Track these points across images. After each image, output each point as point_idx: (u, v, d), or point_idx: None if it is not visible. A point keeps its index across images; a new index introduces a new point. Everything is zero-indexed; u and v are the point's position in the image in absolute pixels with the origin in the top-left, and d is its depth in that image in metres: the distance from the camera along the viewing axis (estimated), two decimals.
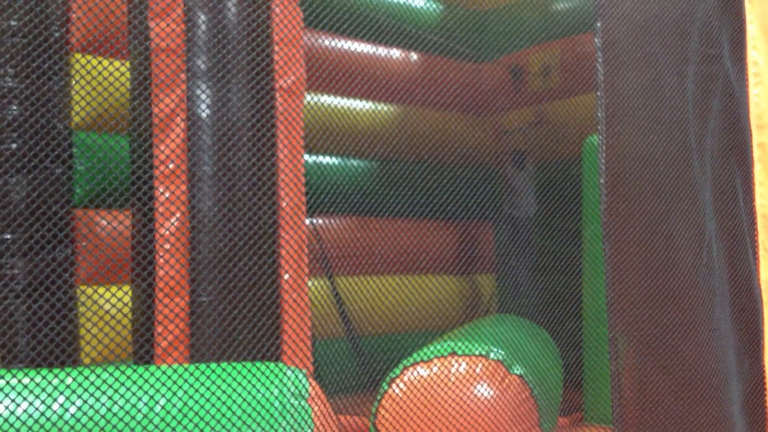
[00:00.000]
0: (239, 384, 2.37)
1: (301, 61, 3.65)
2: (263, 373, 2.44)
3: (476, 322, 4.51)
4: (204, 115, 3.36)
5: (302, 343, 3.51)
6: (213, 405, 2.27)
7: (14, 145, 3.55)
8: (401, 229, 5.18)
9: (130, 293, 3.47)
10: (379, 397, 3.52)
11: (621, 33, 2.51)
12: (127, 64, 3.52)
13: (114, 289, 3.71)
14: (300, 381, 2.45)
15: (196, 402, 2.25)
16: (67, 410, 2.16)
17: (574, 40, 5.74)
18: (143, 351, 3.28)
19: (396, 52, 5.63)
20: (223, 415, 2.26)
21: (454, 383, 3.26)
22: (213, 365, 2.54)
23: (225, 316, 3.27)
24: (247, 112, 3.42)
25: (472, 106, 5.69)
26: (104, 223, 3.87)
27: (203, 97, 3.35)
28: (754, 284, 2.56)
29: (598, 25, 2.57)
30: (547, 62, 5.89)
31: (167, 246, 3.30)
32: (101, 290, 3.77)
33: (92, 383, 2.23)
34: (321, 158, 5.25)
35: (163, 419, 2.19)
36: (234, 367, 2.52)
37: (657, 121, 2.51)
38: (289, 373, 2.49)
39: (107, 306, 3.65)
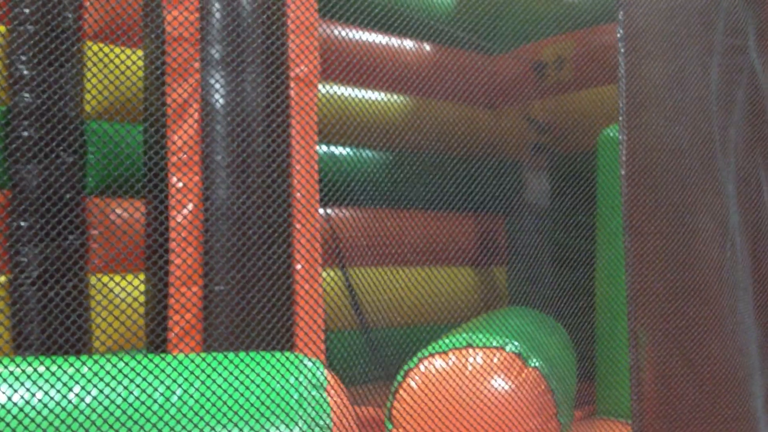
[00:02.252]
0: (256, 374, 2.36)
1: (315, 50, 3.63)
2: (281, 363, 2.43)
3: (491, 314, 4.48)
4: (218, 104, 3.34)
5: (315, 333, 3.50)
6: (230, 395, 2.26)
7: (26, 134, 3.54)
8: (415, 220, 5.16)
9: (143, 282, 3.47)
10: (394, 389, 3.50)
11: (644, 23, 2.47)
12: (139, 52, 3.50)
13: (130, 277, 3.70)
14: (318, 371, 2.44)
15: (213, 392, 2.24)
16: (82, 399, 2.15)
17: (588, 32, 5.69)
18: (157, 340, 3.27)
19: (409, 43, 5.61)
20: (240, 405, 2.24)
21: (470, 375, 3.25)
22: (230, 354, 2.53)
23: (238, 306, 3.26)
24: (261, 102, 3.41)
25: (485, 98, 5.66)
26: (117, 211, 3.85)
27: (217, 86, 3.34)
28: None
29: (621, 15, 2.54)
30: (561, 54, 5.85)
31: (181, 235, 3.29)
32: (117, 278, 3.76)
33: (108, 372, 2.22)
34: (334, 149, 5.23)
35: (179, 409, 2.18)
36: (251, 357, 2.51)
37: (680, 112, 2.48)
38: (307, 362, 2.48)
39: (122, 294, 3.65)
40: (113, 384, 2.17)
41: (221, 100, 3.34)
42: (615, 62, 5.22)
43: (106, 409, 2.17)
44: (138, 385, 2.19)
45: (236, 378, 2.31)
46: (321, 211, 3.65)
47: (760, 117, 2.53)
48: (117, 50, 3.60)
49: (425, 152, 5.26)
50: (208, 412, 2.20)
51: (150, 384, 2.21)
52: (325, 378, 2.43)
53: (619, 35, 2.53)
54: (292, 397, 2.26)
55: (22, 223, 3.53)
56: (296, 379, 2.33)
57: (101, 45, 3.65)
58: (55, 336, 3.34)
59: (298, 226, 3.49)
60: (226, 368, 2.37)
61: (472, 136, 5.30)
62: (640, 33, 2.46)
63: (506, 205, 4.86)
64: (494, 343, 3.34)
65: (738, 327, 2.38)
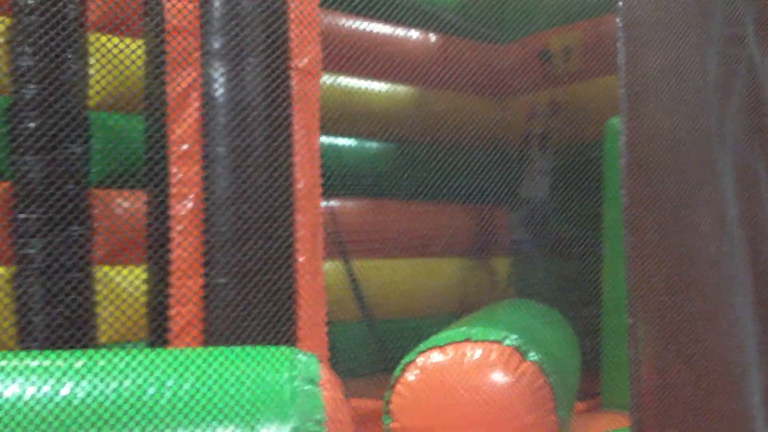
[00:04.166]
0: (249, 368, 2.34)
1: (317, 40, 3.61)
2: (274, 357, 2.41)
3: (492, 307, 4.46)
4: (219, 95, 3.32)
5: (317, 325, 3.49)
6: (222, 389, 2.25)
7: (32, 125, 3.54)
8: (417, 211, 5.14)
9: (141, 274, 3.46)
10: (392, 382, 3.49)
11: (643, 12, 2.44)
12: (138, 42, 3.48)
13: (134, 270, 3.69)
14: (312, 365, 2.42)
15: (204, 385, 2.23)
16: (76, 395, 2.14)
17: (594, 21, 5.65)
18: (158, 332, 3.27)
19: (414, 33, 5.57)
20: (233, 400, 2.23)
21: (468, 369, 3.22)
22: (222, 349, 2.52)
23: (239, 299, 3.25)
24: (263, 92, 3.39)
25: (490, 88, 5.62)
26: (120, 202, 3.85)
27: (218, 76, 3.32)
28: None
29: (621, 3, 2.50)
30: (568, 44, 5.81)
31: (181, 227, 3.28)
32: (120, 270, 3.76)
33: (102, 367, 2.22)
34: (337, 140, 5.21)
35: (173, 404, 2.17)
36: (244, 351, 2.49)
37: (679, 102, 2.44)
38: (300, 357, 2.46)
39: (124, 285, 3.65)
40: (107, 379, 2.17)
41: (222, 91, 3.32)
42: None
43: (100, 404, 2.16)
44: (131, 380, 2.19)
45: (229, 373, 2.30)
46: (323, 203, 3.63)
47: (758, 108, 2.49)
48: (116, 40, 3.58)
49: (429, 143, 5.23)
50: (200, 406, 2.19)
51: (142, 378, 2.20)
52: (319, 372, 2.41)
53: (618, 24, 2.50)
54: (285, 391, 2.24)
55: (26, 215, 3.53)
56: (290, 373, 2.31)
57: (106, 36, 3.64)
58: (60, 329, 3.35)
59: (299, 217, 3.47)
60: (218, 363, 2.35)
61: (476, 126, 5.27)
62: (639, 22, 2.43)
63: (510, 196, 4.84)
64: (492, 337, 3.32)
65: (736, 322, 2.34)
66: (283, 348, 2.53)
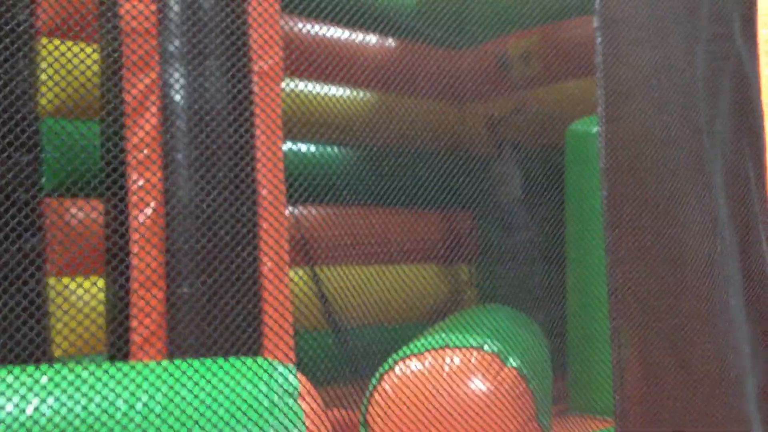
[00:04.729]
0: (223, 381, 2.24)
1: (278, 43, 3.54)
2: (251, 370, 2.31)
3: (465, 312, 4.41)
4: (178, 99, 3.24)
5: (284, 334, 3.41)
6: (196, 403, 2.14)
7: None
8: (381, 217, 5.08)
9: (102, 284, 3.35)
10: (369, 392, 3.40)
11: (621, 11, 2.41)
12: (89, 48, 3.38)
13: (90, 281, 3.57)
14: (289, 378, 2.33)
15: (179, 401, 2.12)
16: (43, 413, 2.02)
17: (554, 27, 5.66)
18: (118, 345, 3.15)
19: (373, 38, 5.52)
20: (209, 414, 2.13)
21: (447, 377, 3.15)
22: (195, 362, 2.42)
23: (203, 309, 3.16)
24: (224, 96, 3.31)
25: (451, 93, 5.59)
26: (76, 211, 3.72)
27: (177, 80, 3.23)
28: (767, 273, 2.48)
29: (597, 3, 2.47)
30: (527, 49, 5.81)
31: (142, 236, 3.18)
32: (79, 281, 3.63)
33: (70, 382, 2.10)
34: (298, 146, 5.13)
35: (145, 417, 2.06)
36: (217, 363, 2.39)
37: (667, 101, 2.41)
38: (278, 368, 2.37)
39: (83, 297, 3.53)
40: (76, 396, 2.05)
41: (182, 96, 3.23)
42: (583, 57, 5.19)
43: (68, 422, 2.05)
44: (101, 394, 2.07)
45: (203, 386, 2.19)
46: (288, 209, 3.56)
47: (746, 106, 2.48)
48: (69, 44, 3.47)
49: (391, 148, 5.19)
50: (173, 421, 2.08)
51: (114, 393, 2.09)
52: (298, 384, 2.32)
53: (595, 24, 2.46)
54: (262, 404, 2.15)
55: None
56: (267, 385, 2.21)
57: (56, 42, 3.53)
58: (10, 343, 3.22)
59: (264, 224, 3.39)
60: (193, 376, 2.25)
61: (439, 131, 5.24)
62: (619, 20, 2.39)
63: (475, 201, 4.81)
64: (472, 343, 3.25)
65: (731, 324, 2.31)
66: (259, 359, 2.44)
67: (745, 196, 2.46)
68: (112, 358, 3.19)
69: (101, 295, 3.40)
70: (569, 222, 4.75)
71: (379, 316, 4.80)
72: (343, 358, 4.32)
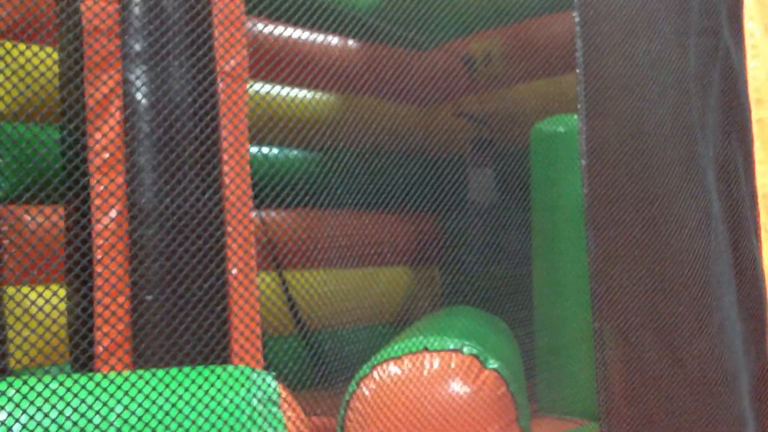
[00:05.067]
0: (201, 390, 2.16)
1: (243, 43, 3.47)
2: (228, 377, 2.23)
3: (434, 315, 4.37)
4: (141, 100, 3.14)
5: (252, 340, 3.33)
6: (173, 414, 2.06)
7: None
8: (349, 221, 5.02)
9: (61, 293, 3.24)
10: (347, 398, 3.32)
11: (603, 7, 2.38)
12: (48, 49, 3.28)
13: (52, 290, 3.45)
14: (269, 385, 2.25)
15: (154, 411, 2.03)
16: (9, 427, 1.92)
17: (517, 27, 5.66)
18: (81, 354, 3.04)
19: (335, 39, 5.47)
20: (184, 423, 2.04)
21: (427, 381, 3.08)
22: (170, 370, 2.33)
23: (169, 315, 3.07)
24: (188, 97, 3.23)
25: (413, 94, 5.56)
26: (33, 218, 3.60)
27: (140, 81, 3.14)
28: (758, 269, 2.47)
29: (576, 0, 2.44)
30: (489, 49, 5.80)
31: (105, 242, 3.08)
32: (37, 289, 3.51)
33: (38, 394, 2.00)
34: (262, 149, 5.06)
35: (119, 430, 1.97)
36: (194, 372, 2.31)
37: (661, 94, 2.38)
38: (255, 377, 2.29)
39: (37, 307, 3.40)
40: (44, 407, 1.95)
41: (145, 97, 3.14)
42: (545, 57, 5.19)
43: None
44: (71, 407, 1.97)
45: (180, 395, 2.11)
46: (254, 213, 3.48)
47: (734, 101, 2.46)
48: (22, 47, 3.36)
49: (356, 151, 5.13)
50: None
51: (85, 405, 2.00)
52: (278, 392, 2.24)
53: (576, 20, 2.43)
54: (243, 413, 2.07)
55: None
56: (247, 392, 2.13)
57: (10, 43, 3.42)
58: None
59: (230, 229, 3.32)
60: (168, 386, 2.15)
61: (403, 133, 5.20)
62: (598, 17, 2.36)
63: (441, 203, 4.78)
64: (450, 346, 3.19)
65: (725, 323, 2.29)
66: (238, 367, 2.36)
67: (735, 191, 2.44)
68: (74, 369, 3.09)
69: (62, 306, 3.29)
70: (535, 221, 4.74)
71: (346, 319, 4.75)
72: (312, 362, 4.25)
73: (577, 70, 2.46)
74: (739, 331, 2.36)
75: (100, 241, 3.09)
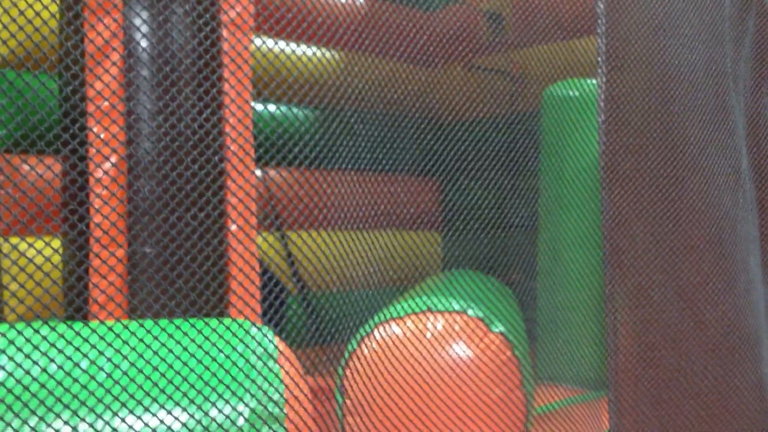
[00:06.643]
0: (195, 342, 2.07)
1: None
2: (225, 330, 2.14)
3: (438, 277, 4.28)
4: (142, 47, 3.04)
5: (250, 296, 3.26)
6: (167, 366, 1.97)
7: None
8: (349, 182, 4.94)
9: (57, 244, 3.17)
10: (346, 357, 3.23)
11: None
12: None
13: (45, 240, 3.38)
14: (267, 340, 2.16)
15: (147, 362, 1.95)
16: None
17: None
18: (76, 305, 2.98)
19: None
20: (178, 376, 1.96)
21: (430, 342, 2.99)
22: (165, 321, 2.24)
23: (166, 268, 2.99)
24: (190, 46, 3.12)
25: (421, 55, 5.44)
26: (30, 168, 3.52)
27: (142, 27, 3.04)
28: None
29: None
30: (498, 10, 5.67)
31: (102, 191, 3.00)
32: (31, 240, 3.43)
33: (26, 341, 1.92)
34: (266, 106, 4.96)
35: (117, 382, 1.89)
36: (189, 323, 2.22)
37: (695, 39, 2.25)
38: (254, 330, 2.20)
39: (36, 258, 3.33)
40: (33, 355, 1.87)
41: (146, 43, 3.04)
42: (555, 19, 5.06)
43: (25, 383, 1.88)
44: (63, 356, 1.89)
45: (173, 347, 2.02)
46: (258, 172, 3.39)
47: (764, 54, 2.33)
48: None
49: (361, 111, 5.03)
50: (143, 386, 1.91)
51: (75, 353, 1.91)
52: (276, 347, 2.16)
53: None
54: (240, 368, 1.98)
55: None
56: (245, 347, 2.05)
57: None
58: None
59: (231, 183, 3.23)
60: (163, 336, 2.07)
61: (408, 94, 5.09)
62: None
63: (444, 166, 4.69)
64: (455, 307, 3.09)
65: (750, 285, 2.18)
66: (237, 320, 2.27)
67: (765, 147, 2.33)
68: (69, 320, 3.02)
69: (56, 258, 3.22)
70: (543, 186, 4.65)
71: (346, 281, 4.67)
72: (311, 321, 4.19)
73: (598, 22, 2.35)
74: (762, 295, 2.26)
75: (97, 191, 3.01)
